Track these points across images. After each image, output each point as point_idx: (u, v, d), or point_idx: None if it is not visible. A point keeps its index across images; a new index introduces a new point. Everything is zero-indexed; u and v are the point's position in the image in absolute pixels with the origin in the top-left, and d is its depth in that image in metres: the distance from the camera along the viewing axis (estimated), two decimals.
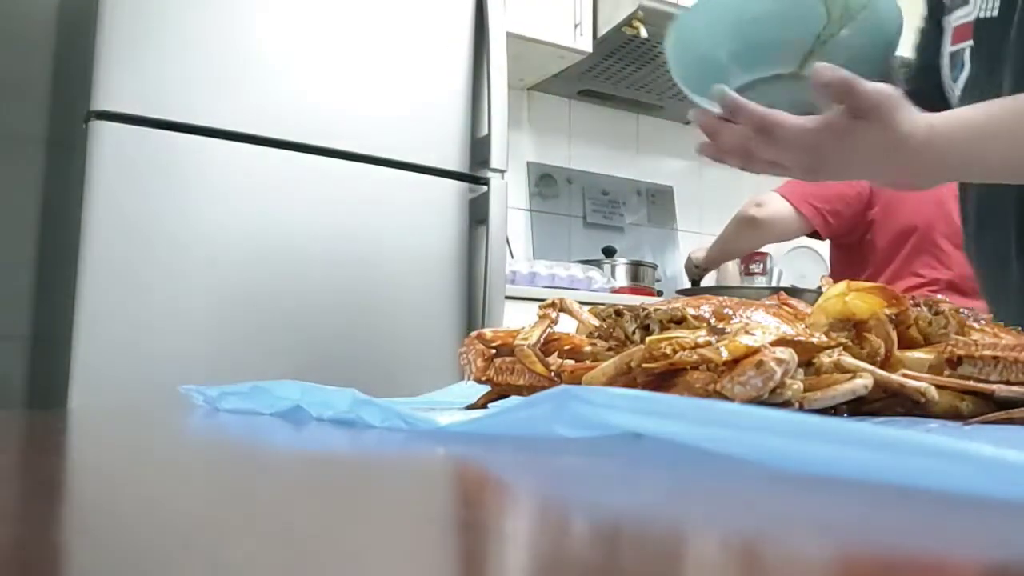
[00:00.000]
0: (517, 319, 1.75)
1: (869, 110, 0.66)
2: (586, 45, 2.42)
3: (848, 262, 1.82)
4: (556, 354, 0.51)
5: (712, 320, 0.45)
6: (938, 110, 0.72)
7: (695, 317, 0.45)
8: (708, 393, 0.39)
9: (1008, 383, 0.44)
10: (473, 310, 1.71)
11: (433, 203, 1.70)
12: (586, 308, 0.56)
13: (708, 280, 3.00)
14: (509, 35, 1.88)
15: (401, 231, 1.66)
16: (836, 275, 1.84)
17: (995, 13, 0.84)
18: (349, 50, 1.64)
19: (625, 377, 0.42)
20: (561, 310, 0.54)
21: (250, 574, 0.14)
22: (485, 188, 1.72)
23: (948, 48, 0.90)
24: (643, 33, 2.37)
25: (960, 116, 0.72)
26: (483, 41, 1.76)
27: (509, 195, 1.82)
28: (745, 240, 1.89)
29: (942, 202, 1.68)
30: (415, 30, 1.71)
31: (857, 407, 0.44)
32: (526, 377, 0.50)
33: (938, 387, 0.44)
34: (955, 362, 0.46)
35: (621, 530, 0.20)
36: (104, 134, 1.42)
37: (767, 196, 1.80)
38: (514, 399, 0.48)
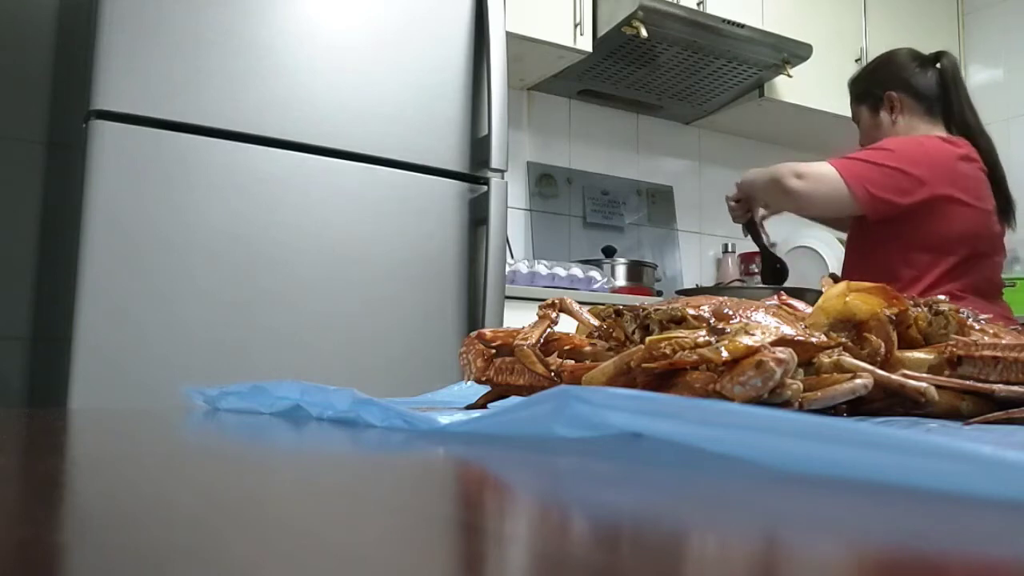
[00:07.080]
0: (517, 319, 1.74)
1: None
2: (586, 45, 2.42)
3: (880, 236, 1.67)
4: (556, 354, 0.51)
5: (712, 320, 0.45)
6: None
7: (695, 317, 0.45)
8: (708, 393, 0.39)
9: (1008, 383, 0.44)
10: (473, 310, 1.71)
11: (433, 203, 1.70)
12: (586, 308, 0.56)
13: (708, 280, 3.00)
14: (509, 35, 1.88)
15: (401, 231, 1.66)
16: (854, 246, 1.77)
17: None
18: (349, 50, 1.64)
19: (625, 377, 0.42)
20: (561, 310, 0.54)
21: (250, 574, 0.14)
22: (485, 188, 1.72)
23: None
24: (643, 33, 2.37)
25: None
26: (483, 41, 1.76)
27: (509, 195, 1.82)
28: (777, 203, 1.74)
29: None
30: (415, 30, 1.71)
31: (857, 407, 0.44)
32: (526, 377, 0.50)
33: (938, 387, 0.44)
34: (955, 362, 0.46)
35: (621, 530, 0.20)
36: (104, 134, 1.42)
37: (814, 168, 1.60)
38: (514, 399, 0.48)
